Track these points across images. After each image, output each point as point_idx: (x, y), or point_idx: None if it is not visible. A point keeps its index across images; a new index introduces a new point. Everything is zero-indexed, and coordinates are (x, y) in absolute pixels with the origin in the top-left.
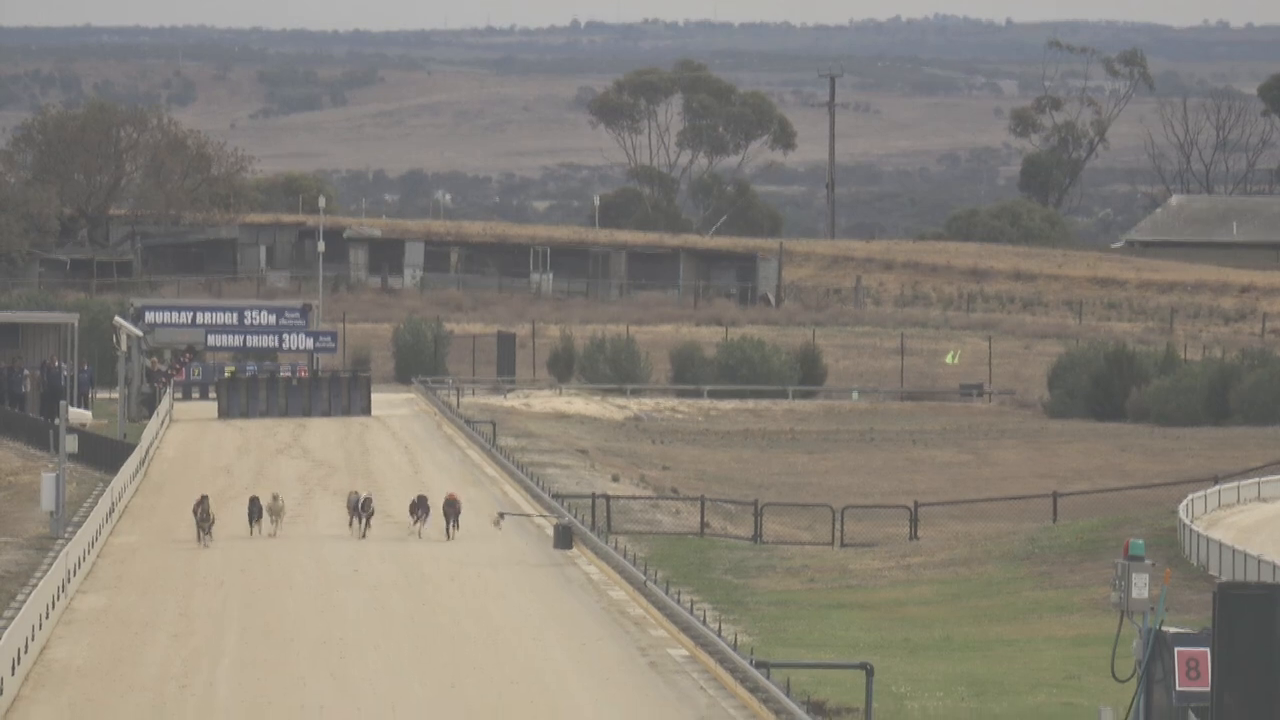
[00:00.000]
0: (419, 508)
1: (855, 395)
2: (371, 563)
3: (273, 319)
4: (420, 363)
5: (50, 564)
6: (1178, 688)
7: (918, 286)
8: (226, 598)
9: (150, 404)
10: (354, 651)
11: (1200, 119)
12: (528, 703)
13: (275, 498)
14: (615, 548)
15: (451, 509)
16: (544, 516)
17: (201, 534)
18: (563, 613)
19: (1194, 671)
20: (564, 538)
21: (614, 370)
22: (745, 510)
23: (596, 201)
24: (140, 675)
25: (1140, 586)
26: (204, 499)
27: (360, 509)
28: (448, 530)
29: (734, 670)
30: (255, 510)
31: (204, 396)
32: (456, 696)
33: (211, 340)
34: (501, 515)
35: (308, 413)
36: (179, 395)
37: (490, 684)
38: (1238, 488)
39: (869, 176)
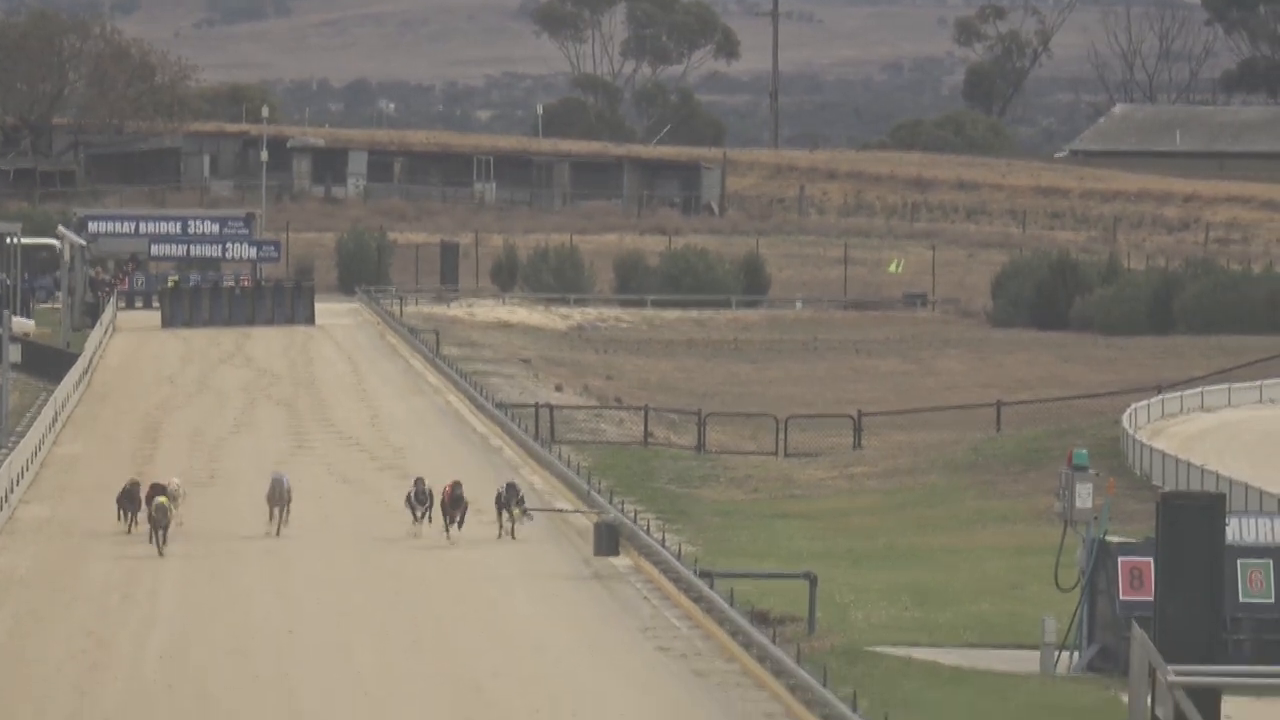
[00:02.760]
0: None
1: (799, 305)
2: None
3: (216, 229)
4: (364, 272)
5: None
6: (1121, 597)
7: (861, 196)
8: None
9: (94, 313)
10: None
11: (1144, 28)
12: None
13: (168, 492)
14: (559, 457)
15: (456, 505)
16: (579, 512)
17: (131, 523)
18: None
19: (1137, 581)
20: (607, 540)
21: (557, 280)
22: (689, 420)
23: (540, 111)
24: (83, 585)
25: (1084, 496)
26: (133, 485)
27: (418, 500)
28: (447, 528)
29: (677, 580)
30: (133, 502)
31: (147, 306)
32: None
33: (155, 250)
34: (524, 509)
35: (251, 322)
36: (122, 305)
37: None
38: (1181, 397)
39: (812, 86)
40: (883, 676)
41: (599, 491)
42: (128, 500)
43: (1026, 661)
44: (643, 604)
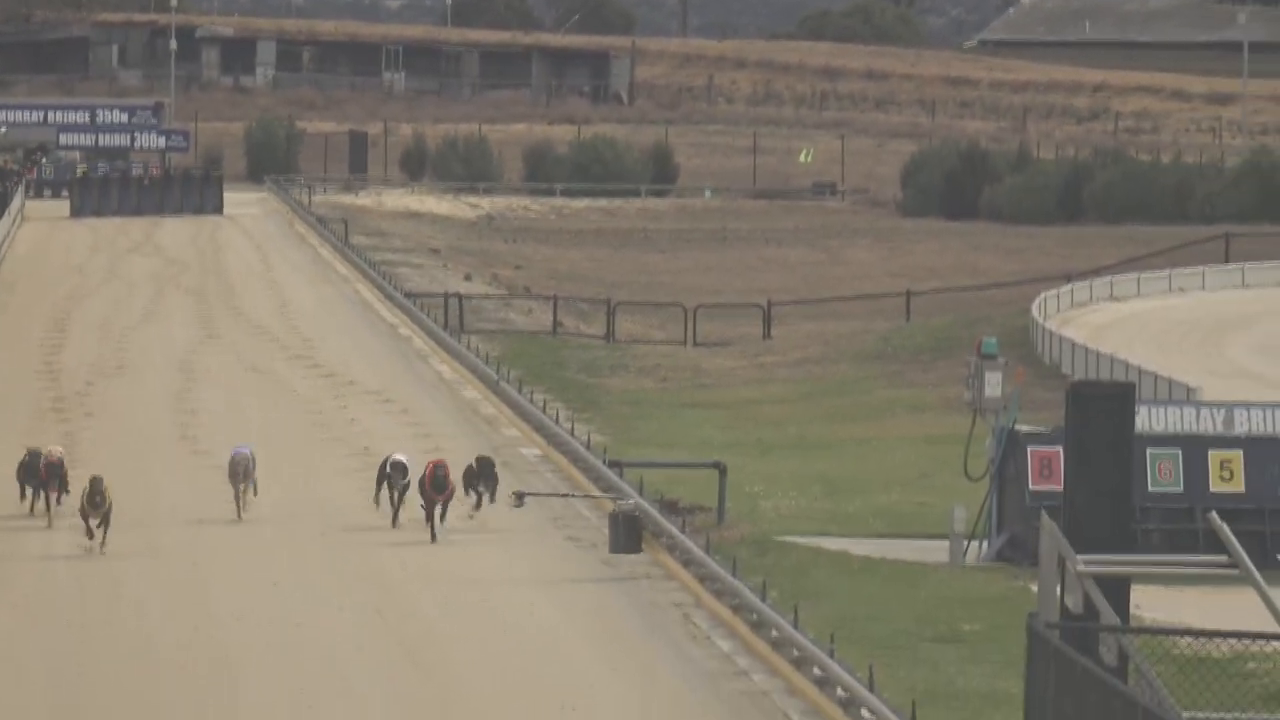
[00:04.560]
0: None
1: (708, 194)
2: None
3: (125, 118)
4: (272, 161)
5: None
6: (1030, 486)
7: (770, 85)
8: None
9: (1, 203)
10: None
11: None
12: None
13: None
14: (468, 347)
15: (438, 489)
16: (587, 496)
17: (33, 501)
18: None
19: (1046, 471)
20: (627, 535)
21: (466, 169)
22: (598, 309)
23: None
24: None
25: (993, 385)
26: (32, 456)
27: (390, 477)
28: (429, 519)
29: (587, 470)
30: (35, 473)
31: (56, 195)
32: None
33: (63, 139)
34: (521, 496)
35: (160, 211)
36: (31, 194)
37: None
38: (1090, 286)
39: None
40: (792, 566)
41: (507, 381)
42: (27, 474)
43: (936, 551)
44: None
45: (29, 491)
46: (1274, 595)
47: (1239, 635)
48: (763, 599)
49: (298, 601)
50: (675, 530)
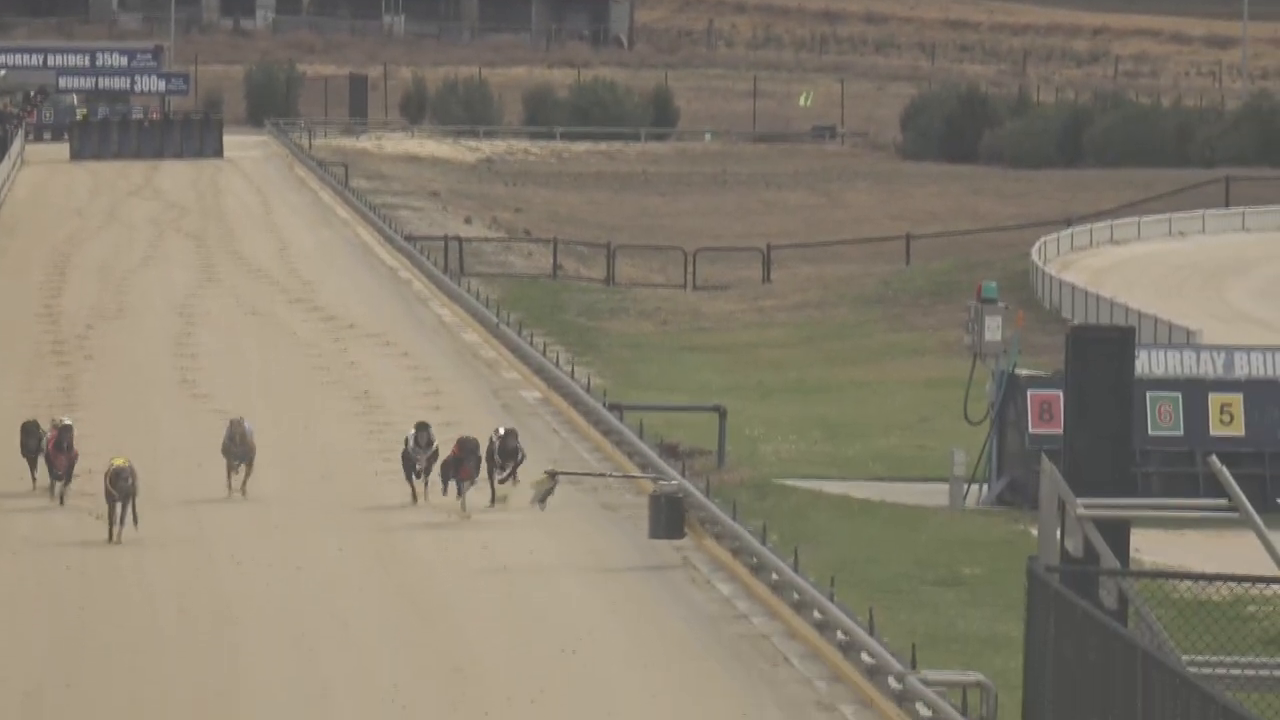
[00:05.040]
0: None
1: (708, 137)
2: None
3: (125, 61)
4: (272, 105)
5: None
6: (1030, 430)
7: (770, 29)
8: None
9: (1, 146)
10: None
11: None
12: None
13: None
14: (468, 290)
15: (469, 461)
16: (626, 476)
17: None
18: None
19: (1046, 414)
20: (668, 519)
21: (466, 112)
22: (598, 252)
23: None
24: None
25: (993, 329)
26: (33, 424)
27: (417, 452)
28: (460, 495)
29: (587, 413)
30: (35, 443)
31: (56, 139)
32: None
33: (63, 83)
34: (554, 478)
35: (160, 155)
36: (31, 137)
37: None
38: (1090, 230)
39: None
40: (792, 510)
41: (507, 324)
42: (28, 442)
43: (935, 495)
44: (552, 437)
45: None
46: (1273, 539)
47: (1239, 579)
48: (763, 542)
49: (298, 547)
50: (675, 474)
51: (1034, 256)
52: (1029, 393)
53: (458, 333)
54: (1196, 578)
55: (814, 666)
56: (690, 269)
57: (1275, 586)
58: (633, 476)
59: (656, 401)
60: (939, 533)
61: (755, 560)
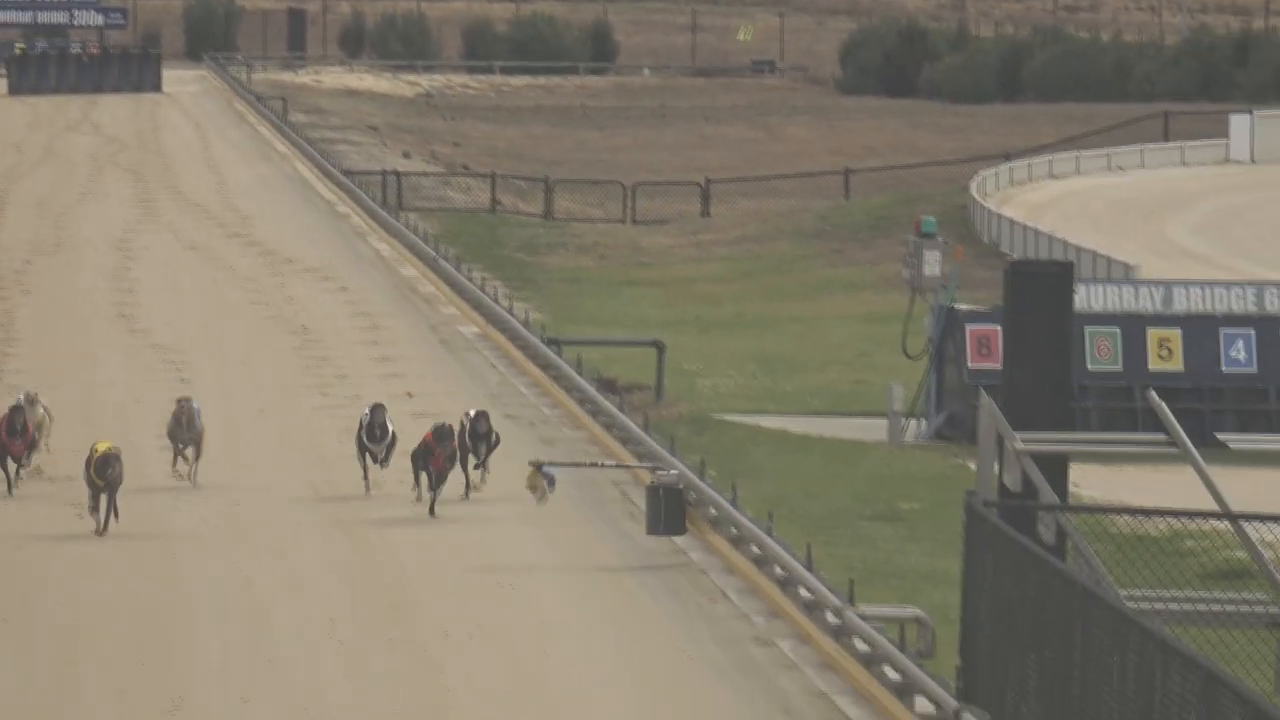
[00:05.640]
0: (373, 436)
1: (647, 72)
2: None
3: None
4: (211, 39)
5: None
6: (968, 365)
7: None
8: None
9: None
10: None
11: None
12: None
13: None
14: (406, 224)
15: (443, 448)
16: (621, 466)
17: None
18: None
19: (985, 349)
20: (667, 512)
21: (405, 47)
22: (536, 187)
23: None
24: None
25: (932, 263)
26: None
27: (372, 443)
28: (428, 487)
29: (525, 348)
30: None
31: None
32: None
33: (0, 17)
34: (542, 470)
35: (98, 89)
36: None
37: None
38: (1029, 165)
39: None
40: (730, 444)
41: (445, 259)
42: None
43: (874, 430)
44: (490, 371)
45: None
46: (1211, 474)
47: (1177, 514)
48: (700, 477)
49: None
50: (614, 409)
51: (973, 191)
52: (967, 328)
53: (396, 267)
54: (1135, 513)
55: (752, 602)
56: (629, 204)
57: (1213, 521)
58: (629, 466)
59: (594, 336)
60: (877, 468)
61: (693, 495)
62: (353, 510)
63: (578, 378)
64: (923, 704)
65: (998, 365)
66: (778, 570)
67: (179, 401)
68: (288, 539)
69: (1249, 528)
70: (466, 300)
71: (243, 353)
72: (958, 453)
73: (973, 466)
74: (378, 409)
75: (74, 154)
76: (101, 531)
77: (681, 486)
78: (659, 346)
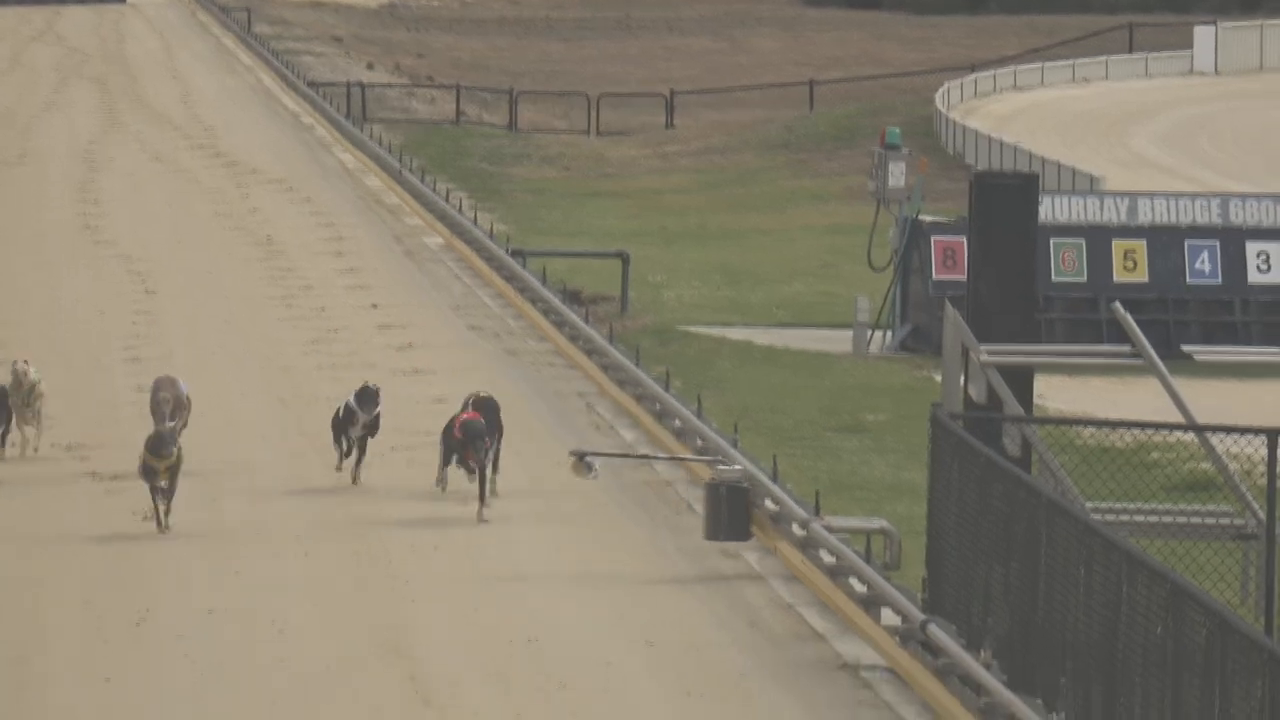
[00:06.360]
0: (353, 413)
1: None
2: None
3: None
4: None
5: None
6: (934, 276)
7: None
8: None
9: None
10: None
11: None
12: None
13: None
14: (370, 136)
15: (475, 444)
16: (674, 459)
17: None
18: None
19: (950, 261)
20: (730, 515)
21: None
22: (500, 98)
23: None
24: None
25: (896, 175)
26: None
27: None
28: (482, 483)
29: (490, 259)
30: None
31: None
32: None
33: None
34: (585, 460)
35: (62, 0)
36: None
37: None
38: (994, 76)
39: None
40: (695, 356)
41: (410, 170)
42: None
43: (839, 341)
44: (455, 283)
45: None
46: (1177, 384)
47: (1142, 425)
48: (666, 389)
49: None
50: (578, 320)
51: (938, 103)
52: (933, 239)
53: (360, 178)
54: (1100, 424)
55: None
56: (593, 115)
57: (1178, 433)
58: (683, 459)
59: (559, 248)
60: (843, 379)
61: (658, 406)
62: (319, 418)
63: (542, 289)
64: (889, 616)
65: (963, 277)
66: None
67: (158, 381)
68: (255, 453)
69: (1214, 439)
70: (431, 211)
71: (208, 264)
72: (923, 364)
73: (938, 378)
74: (366, 394)
75: (38, 65)
76: (163, 526)
77: (746, 484)
78: (624, 258)
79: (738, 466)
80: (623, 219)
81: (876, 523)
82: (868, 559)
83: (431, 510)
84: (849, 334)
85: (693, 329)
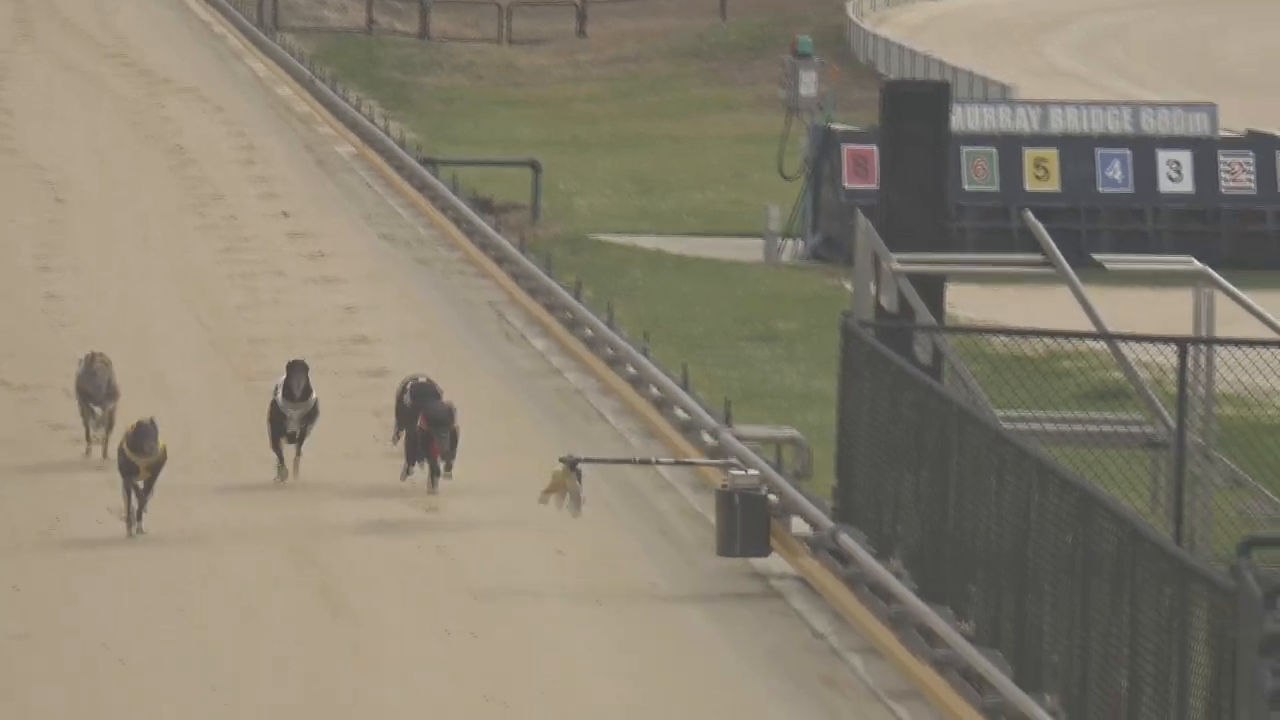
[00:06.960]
0: (292, 398)
1: None
2: None
3: None
4: None
5: None
6: (845, 185)
7: None
8: None
9: None
10: None
11: None
12: None
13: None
14: (281, 44)
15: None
16: (680, 464)
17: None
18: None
19: (861, 169)
20: (745, 526)
21: None
22: (411, 7)
23: None
24: None
25: (808, 84)
26: None
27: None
28: (433, 476)
29: (400, 168)
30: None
31: None
32: None
33: None
34: (574, 466)
35: None
36: None
37: None
38: None
39: None
40: (607, 265)
41: (321, 79)
42: None
43: (750, 250)
44: (366, 191)
45: None
46: (1088, 294)
47: (1053, 334)
48: (577, 297)
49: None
50: (489, 228)
51: (849, 12)
52: (844, 148)
53: (272, 88)
54: (1011, 333)
55: (628, 422)
56: (504, 23)
57: (1089, 341)
58: (692, 463)
59: (470, 156)
60: (754, 288)
61: (569, 315)
62: (229, 326)
63: (453, 197)
64: (799, 524)
65: (874, 186)
66: (654, 391)
67: (91, 355)
68: (167, 364)
69: (1124, 348)
70: (343, 121)
71: (120, 172)
72: (834, 273)
73: (849, 287)
74: (297, 371)
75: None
76: (133, 530)
77: (764, 491)
78: (535, 166)
79: (753, 472)
80: (534, 128)
81: (787, 431)
82: (778, 468)
83: (342, 436)
84: (760, 243)
85: (604, 238)
